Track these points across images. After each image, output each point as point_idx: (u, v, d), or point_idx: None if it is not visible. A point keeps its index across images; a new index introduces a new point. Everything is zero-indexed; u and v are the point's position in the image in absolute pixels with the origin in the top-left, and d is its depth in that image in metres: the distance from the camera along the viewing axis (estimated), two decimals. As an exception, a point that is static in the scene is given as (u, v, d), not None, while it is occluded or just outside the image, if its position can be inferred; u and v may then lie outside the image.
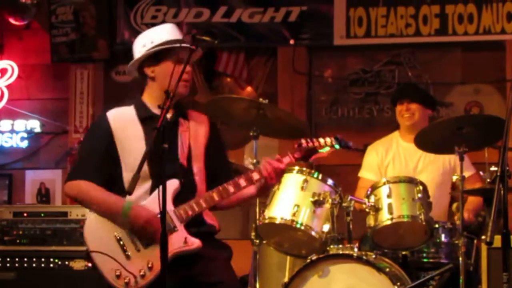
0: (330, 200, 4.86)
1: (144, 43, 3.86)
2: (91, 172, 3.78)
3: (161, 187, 3.33)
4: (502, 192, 3.12)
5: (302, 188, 4.86)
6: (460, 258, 4.67)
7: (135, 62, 3.87)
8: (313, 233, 4.83)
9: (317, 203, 4.85)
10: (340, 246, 4.83)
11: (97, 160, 3.80)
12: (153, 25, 6.47)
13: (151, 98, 3.87)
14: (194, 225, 3.82)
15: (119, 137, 3.80)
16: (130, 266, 3.68)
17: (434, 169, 5.54)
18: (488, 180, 4.90)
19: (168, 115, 3.65)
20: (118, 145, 3.80)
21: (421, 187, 4.95)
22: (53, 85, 7.21)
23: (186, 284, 3.80)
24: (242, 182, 3.85)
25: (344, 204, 4.88)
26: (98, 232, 3.72)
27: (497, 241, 3.16)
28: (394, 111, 5.70)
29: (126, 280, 3.66)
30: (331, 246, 4.82)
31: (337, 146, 3.93)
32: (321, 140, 3.90)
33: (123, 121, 3.83)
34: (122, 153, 3.79)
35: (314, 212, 4.85)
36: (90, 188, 3.71)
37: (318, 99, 6.92)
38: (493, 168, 4.74)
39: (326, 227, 4.86)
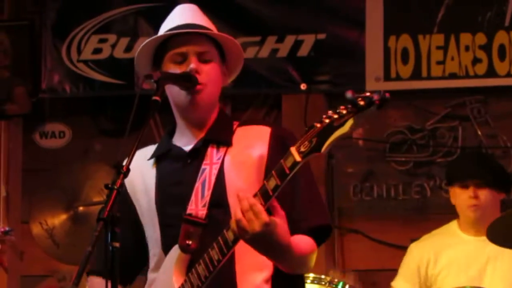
0: (362, 325, 4.74)
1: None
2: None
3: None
4: None
5: (321, 306, 4.84)
6: None
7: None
8: None
9: (343, 329, 4.88)
10: None
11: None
12: (95, 62, 6.28)
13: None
14: None
15: (132, 194, 3.37)
16: None
17: (509, 275, 5.03)
18: None
19: (188, 148, 3.30)
20: (136, 205, 3.39)
21: (497, 305, 4.72)
22: None
23: None
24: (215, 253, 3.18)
25: (383, 331, 4.63)
26: None
27: None
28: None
29: None
30: None
31: (360, 108, 2.80)
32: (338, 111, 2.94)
33: (140, 166, 3.36)
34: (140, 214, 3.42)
35: None
36: None
37: (344, 172, 6.09)
38: None
39: None
